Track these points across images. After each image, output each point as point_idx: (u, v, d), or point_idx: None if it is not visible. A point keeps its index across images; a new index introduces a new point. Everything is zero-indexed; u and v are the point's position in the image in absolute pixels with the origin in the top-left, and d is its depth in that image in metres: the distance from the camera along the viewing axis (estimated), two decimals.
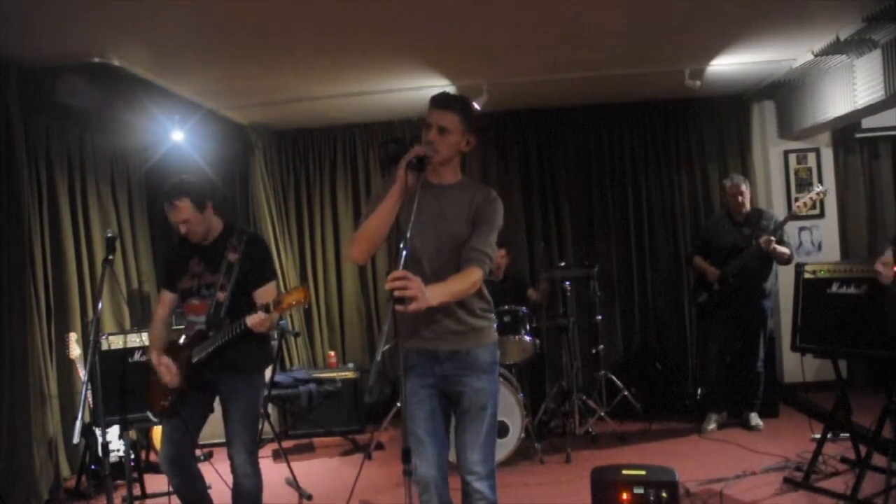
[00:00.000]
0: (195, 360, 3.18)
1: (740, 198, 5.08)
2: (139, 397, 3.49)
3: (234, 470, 3.26)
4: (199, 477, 3.37)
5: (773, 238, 4.83)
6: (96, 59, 4.05)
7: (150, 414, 3.42)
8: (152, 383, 3.29)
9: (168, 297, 3.36)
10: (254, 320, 3.03)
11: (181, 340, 3.31)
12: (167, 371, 3.18)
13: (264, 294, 3.19)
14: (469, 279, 2.44)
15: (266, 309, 3.03)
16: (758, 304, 5.10)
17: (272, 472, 4.78)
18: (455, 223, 2.53)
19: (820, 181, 6.12)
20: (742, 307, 5.11)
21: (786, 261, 4.97)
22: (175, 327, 3.64)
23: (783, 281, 5.42)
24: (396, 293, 2.19)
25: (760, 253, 4.91)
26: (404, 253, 2.26)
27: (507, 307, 4.87)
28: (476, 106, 2.68)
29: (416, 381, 2.56)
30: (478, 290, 2.59)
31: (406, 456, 2.24)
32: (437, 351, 2.55)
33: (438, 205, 2.54)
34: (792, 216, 5.04)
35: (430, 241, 2.52)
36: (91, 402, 3.80)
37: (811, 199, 4.90)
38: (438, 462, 2.54)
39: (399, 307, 2.22)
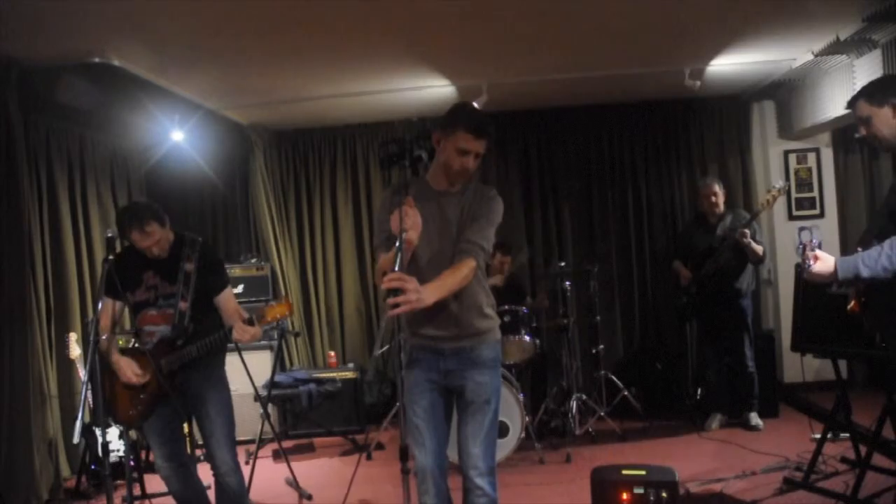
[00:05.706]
0: (167, 368, 3.16)
1: (713, 198, 5.15)
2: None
3: (215, 467, 3.25)
4: (197, 478, 3.38)
5: (747, 231, 4.84)
6: (96, 59, 4.06)
7: (113, 423, 3.37)
8: (118, 392, 3.24)
9: (114, 305, 3.26)
10: (239, 334, 3.10)
11: (132, 343, 3.34)
12: (128, 366, 3.15)
13: (226, 299, 3.28)
14: (461, 272, 2.43)
15: (251, 322, 3.12)
16: (735, 305, 5.09)
17: (272, 472, 4.78)
18: (458, 228, 2.55)
19: (820, 181, 6.11)
20: (719, 309, 5.11)
21: (758, 259, 4.99)
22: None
23: (783, 281, 5.41)
24: (390, 300, 2.20)
25: (735, 249, 4.91)
26: (399, 255, 2.26)
27: (507, 307, 4.86)
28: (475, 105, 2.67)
29: (419, 374, 2.59)
30: (484, 290, 2.62)
31: (404, 454, 2.25)
32: (443, 349, 2.58)
33: (441, 213, 2.56)
34: (755, 214, 5.03)
35: (439, 251, 2.54)
36: (91, 402, 3.79)
37: (773, 196, 4.87)
38: (436, 453, 2.56)
39: (394, 310, 2.23)
